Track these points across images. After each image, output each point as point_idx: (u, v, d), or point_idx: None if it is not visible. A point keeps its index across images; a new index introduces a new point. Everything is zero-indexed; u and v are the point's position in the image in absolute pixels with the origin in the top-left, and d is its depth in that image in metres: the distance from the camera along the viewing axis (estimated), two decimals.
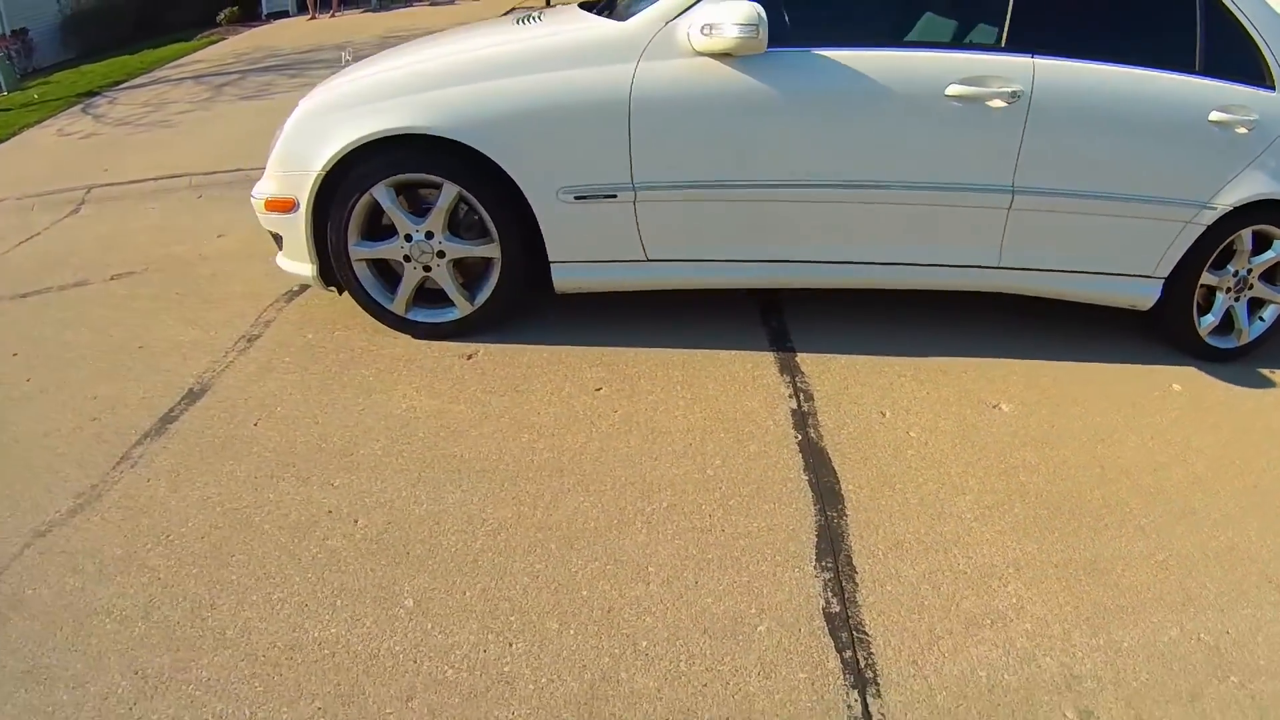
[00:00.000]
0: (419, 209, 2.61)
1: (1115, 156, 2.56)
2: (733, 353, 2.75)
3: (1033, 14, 2.47)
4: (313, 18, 10.37)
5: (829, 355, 2.74)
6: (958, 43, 2.58)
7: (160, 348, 2.90)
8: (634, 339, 2.81)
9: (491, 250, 2.63)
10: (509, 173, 2.47)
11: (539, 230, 2.58)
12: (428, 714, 1.57)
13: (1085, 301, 2.86)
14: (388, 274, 2.76)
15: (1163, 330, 2.91)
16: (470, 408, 2.47)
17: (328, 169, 2.50)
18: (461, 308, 2.73)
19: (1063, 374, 2.72)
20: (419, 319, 2.77)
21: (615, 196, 2.53)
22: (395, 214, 2.58)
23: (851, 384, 2.60)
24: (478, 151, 2.45)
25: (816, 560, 1.90)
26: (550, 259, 2.63)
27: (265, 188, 2.67)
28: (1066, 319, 3.01)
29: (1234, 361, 2.91)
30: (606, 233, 2.60)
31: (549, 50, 2.49)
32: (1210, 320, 2.85)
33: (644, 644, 1.69)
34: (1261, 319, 2.92)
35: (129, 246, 4.00)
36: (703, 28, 2.34)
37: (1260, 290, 2.87)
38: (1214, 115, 2.55)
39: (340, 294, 2.85)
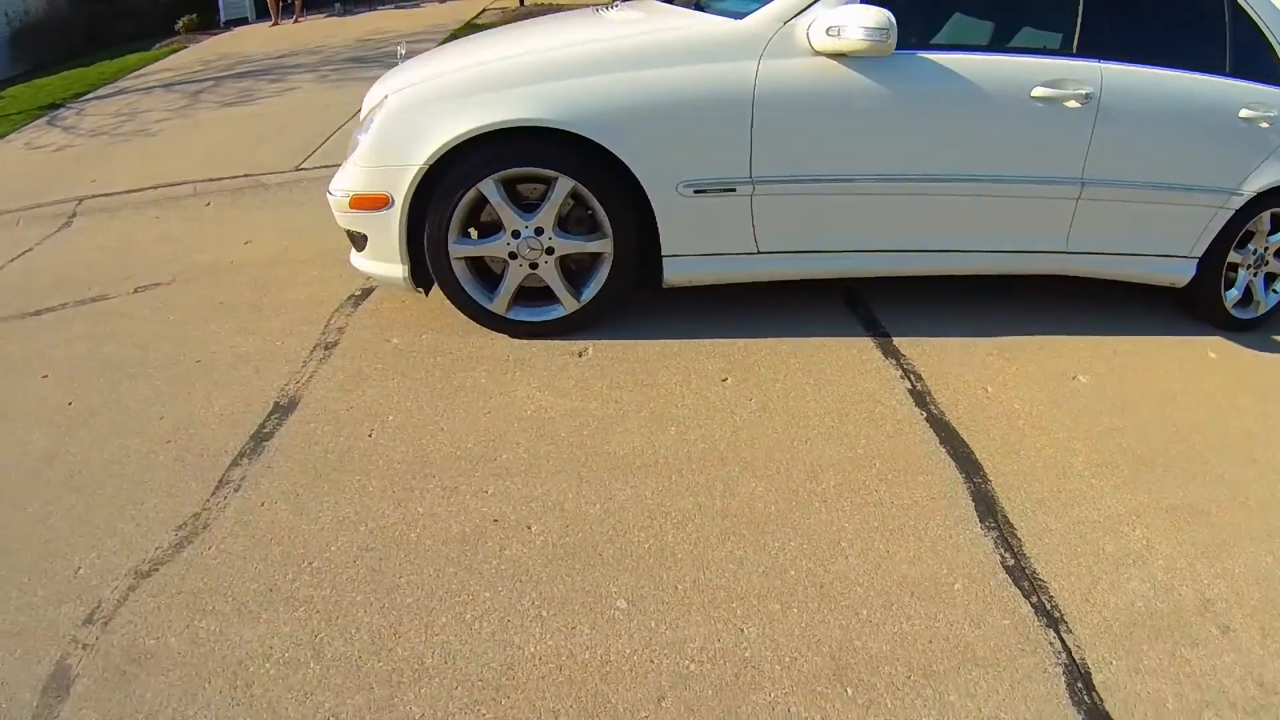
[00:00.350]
0: (521, 205, 2.45)
1: (1166, 150, 2.73)
2: (834, 339, 2.74)
3: (1099, 24, 2.60)
4: (275, 24, 9.95)
5: (920, 339, 2.77)
6: (1039, 48, 2.61)
7: (223, 360, 2.64)
8: (737, 330, 2.74)
9: (603, 245, 2.48)
10: (630, 166, 2.34)
11: (652, 224, 2.45)
12: (685, 711, 1.48)
13: (1134, 281, 3.01)
14: (483, 273, 2.59)
15: (1193, 305, 3.11)
16: (603, 404, 2.34)
17: (431, 163, 2.32)
18: (567, 305, 2.58)
19: (1119, 347, 2.88)
20: (521, 318, 2.60)
21: (734, 190, 2.43)
22: (504, 209, 2.40)
23: (949, 364, 2.65)
24: (591, 145, 2.31)
25: (980, 521, 2.02)
26: (663, 253, 2.50)
27: (349, 183, 2.46)
28: (1103, 298, 3.15)
29: (1253, 330, 3.15)
30: (721, 226, 2.49)
31: (666, 45, 2.38)
32: (1234, 294, 3.08)
33: (864, 612, 1.74)
34: (1275, 291, 3.17)
35: (143, 257, 3.69)
36: (828, 29, 2.30)
37: (1275, 266, 3.13)
38: (1243, 112, 2.74)
39: (426, 295, 2.65)
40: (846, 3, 2.32)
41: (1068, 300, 3.14)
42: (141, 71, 8.18)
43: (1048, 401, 2.52)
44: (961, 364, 2.65)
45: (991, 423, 2.38)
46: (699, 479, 2.07)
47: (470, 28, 9.01)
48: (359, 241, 2.57)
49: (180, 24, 10.31)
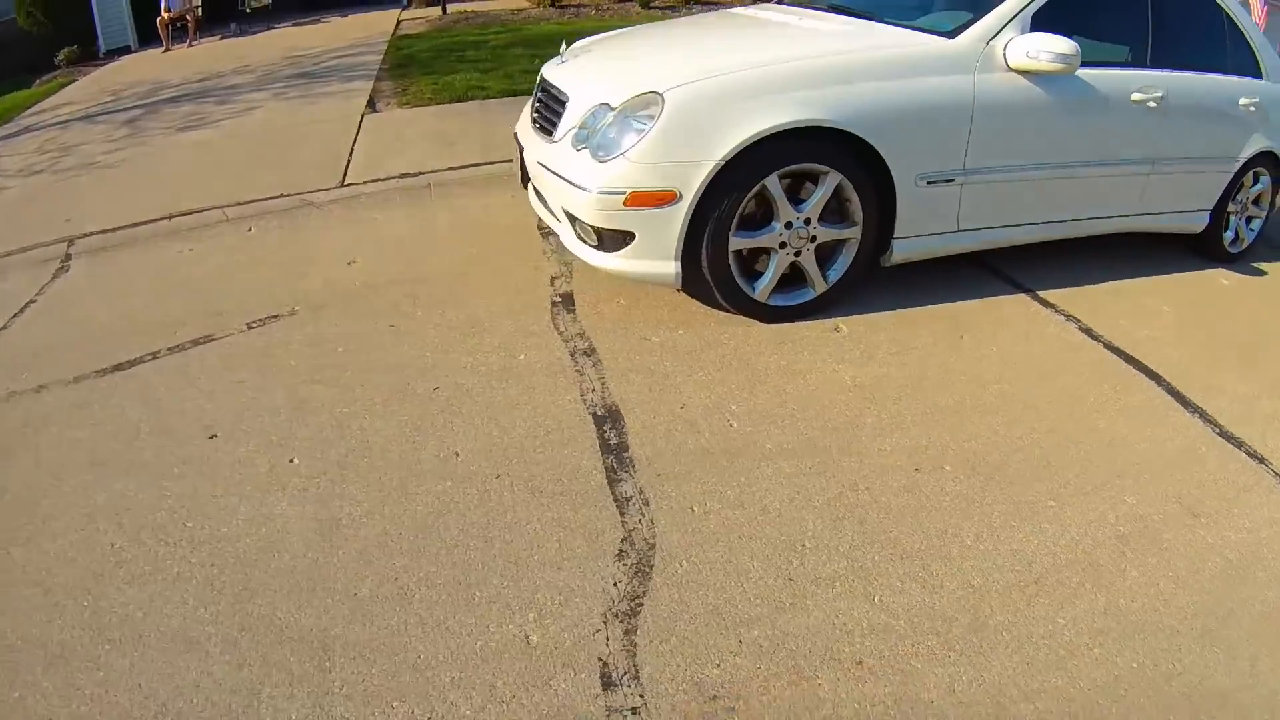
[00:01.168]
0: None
1: (1202, 133, 3.61)
2: (1000, 298, 3.25)
3: (1161, 40, 3.41)
4: (168, 50, 8.94)
5: (1053, 290, 3.34)
6: (1130, 62, 3.36)
7: (472, 387, 2.51)
8: (931, 298, 3.13)
9: (852, 232, 2.78)
10: (888, 162, 2.68)
11: (889, 212, 2.81)
12: None
13: (1173, 231, 3.88)
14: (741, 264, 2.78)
15: (1202, 246, 4.04)
16: (900, 368, 2.64)
17: (729, 158, 2.49)
18: (817, 287, 2.84)
19: (1170, 285, 3.64)
20: (777, 303, 2.82)
21: (952, 180, 2.86)
22: (782, 202, 2.61)
23: (1086, 307, 3.22)
24: (855, 144, 2.62)
25: (1184, 409, 2.61)
26: (895, 235, 2.87)
27: (627, 180, 2.52)
28: (1132, 247, 3.95)
29: (1239, 261, 4.13)
30: (936, 211, 2.91)
31: (908, 59, 2.78)
32: (1229, 235, 4.08)
33: None
34: (1252, 229, 4.23)
35: (214, 291, 3.29)
36: (1026, 52, 2.82)
37: (1252, 211, 4.19)
38: (1242, 100, 3.69)
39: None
40: (1031, 30, 2.89)
41: (1112, 253, 3.89)
42: (39, 108, 7.00)
43: (1174, 325, 3.20)
44: (1095, 307, 3.23)
45: (1165, 349, 2.96)
46: (1023, 412, 2.48)
47: (401, 40, 8.77)
48: (615, 241, 2.63)
49: (61, 56, 8.93)
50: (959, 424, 2.40)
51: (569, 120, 2.83)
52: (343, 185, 4.53)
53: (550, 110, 3.00)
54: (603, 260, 2.71)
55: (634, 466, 2.16)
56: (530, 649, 1.65)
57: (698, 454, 2.21)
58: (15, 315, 3.28)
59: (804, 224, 2.69)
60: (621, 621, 1.71)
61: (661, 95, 2.53)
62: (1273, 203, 4.27)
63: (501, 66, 6.86)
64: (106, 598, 1.79)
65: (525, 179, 3.24)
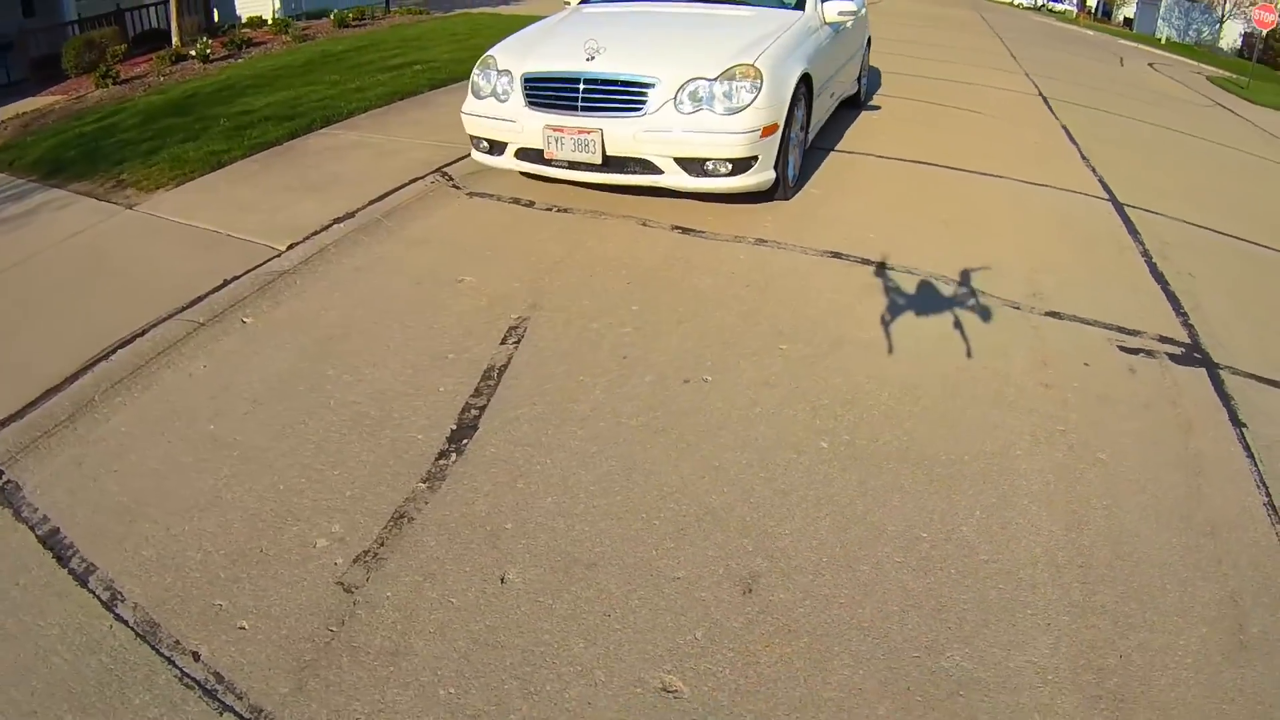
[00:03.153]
0: None
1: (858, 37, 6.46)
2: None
3: None
4: None
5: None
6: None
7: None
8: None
9: (804, 134, 4.65)
10: (815, 86, 4.57)
11: (808, 118, 4.77)
12: None
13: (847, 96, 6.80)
14: None
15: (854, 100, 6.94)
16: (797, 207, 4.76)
17: (790, 98, 4.05)
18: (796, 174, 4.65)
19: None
20: (795, 185, 4.57)
21: (826, 87, 4.96)
22: (796, 120, 4.30)
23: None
24: (807, 79, 4.46)
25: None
26: (809, 133, 4.86)
27: (757, 121, 3.85)
28: None
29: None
30: (819, 109, 4.97)
31: (800, 28, 4.56)
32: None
33: None
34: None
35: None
36: (838, 10, 4.92)
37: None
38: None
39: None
40: None
41: None
42: None
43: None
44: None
45: None
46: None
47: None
48: (743, 166, 3.96)
49: None
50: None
51: (660, 95, 3.90)
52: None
53: (621, 94, 3.94)
54: (735, 182, 4.01)
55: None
56: None
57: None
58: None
59: (800, 130, 4.48)
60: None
61: (756, 65, 3.93)
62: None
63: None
64: None
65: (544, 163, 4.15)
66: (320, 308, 3.49)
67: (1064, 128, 7.58)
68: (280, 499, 2.41)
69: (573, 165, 4.11)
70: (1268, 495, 2.57)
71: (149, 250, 4.13)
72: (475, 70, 4.49)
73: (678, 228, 4.24)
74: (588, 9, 5.17)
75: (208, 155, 5.25)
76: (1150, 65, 18.24)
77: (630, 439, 2.66)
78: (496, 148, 4.43)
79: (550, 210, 4.52)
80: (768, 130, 3.99)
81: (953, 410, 2.87)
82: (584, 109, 4.00)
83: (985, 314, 3.55)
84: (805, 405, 2.86)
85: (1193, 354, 3.39)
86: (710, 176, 3.99)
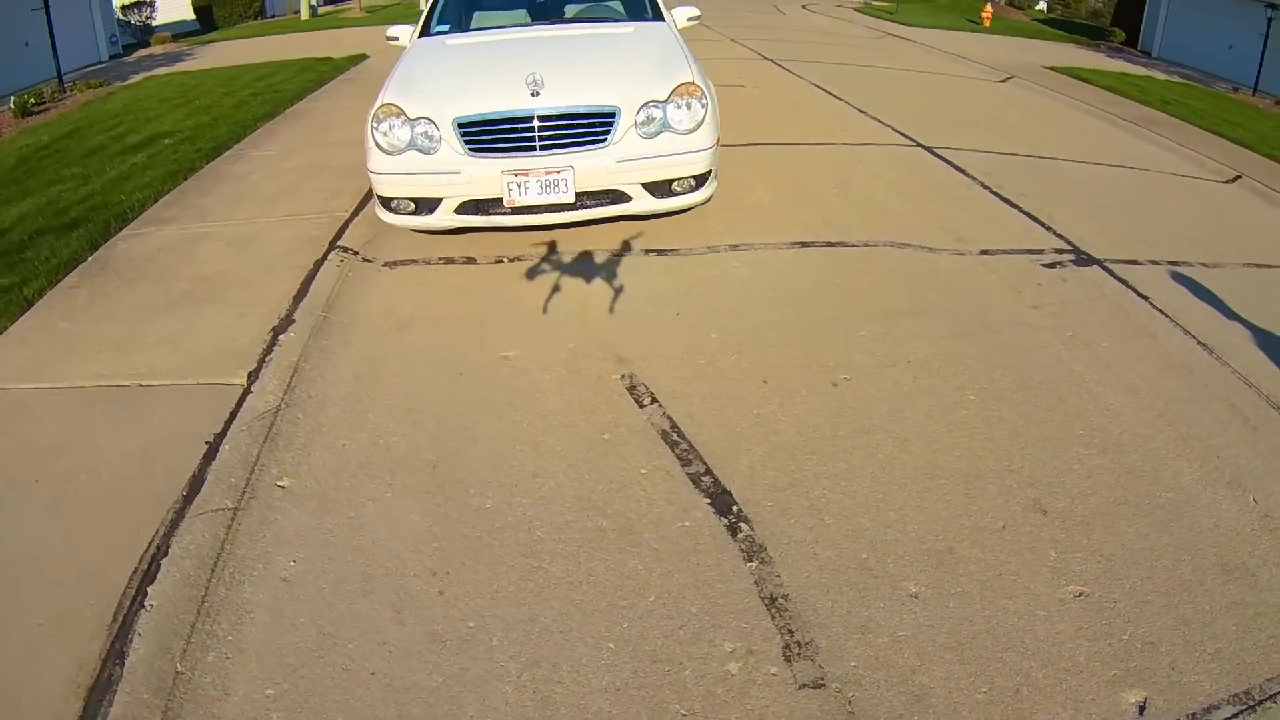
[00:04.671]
0: None
1: None
2: None
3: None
4: None
5: None
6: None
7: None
8: None
9: None
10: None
11: None
12: None
13: None
14: None
15: None
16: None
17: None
18: None
19: None
20: None
21: None
22: None
23: None
24: None
25: None
26: None
27: (714, 134, 4.04)
28: None
29: None
30: None
31: (671, 37, 4.75)
32: None
33: None
34: None
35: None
36: (688, 18, 5.13)
37: None
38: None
39: None
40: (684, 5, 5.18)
41: None
42: None
43: None
44: None
45: None
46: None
47: None
48: (704, 179, 4.11)
49: None
50: None
51: (624, 123, 3.88)
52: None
53: (583, 127, 3.87)
54: (697, 196, 4.16)
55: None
56: None
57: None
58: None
59: None
60: None
61: (695, 82, 4.07)
62: None
63: None
64: None
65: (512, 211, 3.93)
66: (378, 437, 2.97)
67: (817, 85, 8.74)
68: None
69: (538, 209, 3.92)
70: (1187, 332, 3.57)
71: (56, 438, 2.99)
72: (375, 125, 4.01)
73: (650, 250, 4.28)
74: (450, 41, 4.81)
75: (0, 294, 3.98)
76: (804, 8, 19.90)
77: None
78: (425, 206, 4.04)
79: (501, 262, 4.26)
80: (717, 142, 4.17)
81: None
82: (544, 148, 3.82)
83: (933, 264, 4.19)
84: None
85: (1081, 256, 4.37)
86: (675, 196, 4.08)
